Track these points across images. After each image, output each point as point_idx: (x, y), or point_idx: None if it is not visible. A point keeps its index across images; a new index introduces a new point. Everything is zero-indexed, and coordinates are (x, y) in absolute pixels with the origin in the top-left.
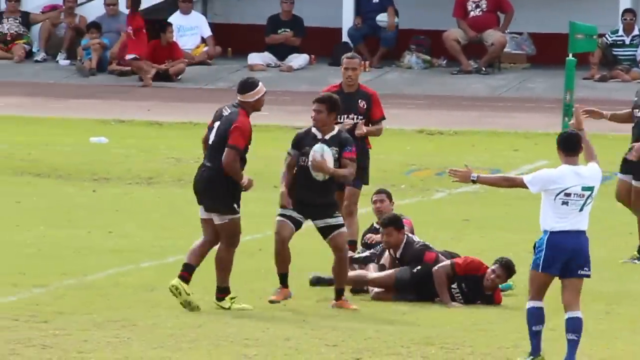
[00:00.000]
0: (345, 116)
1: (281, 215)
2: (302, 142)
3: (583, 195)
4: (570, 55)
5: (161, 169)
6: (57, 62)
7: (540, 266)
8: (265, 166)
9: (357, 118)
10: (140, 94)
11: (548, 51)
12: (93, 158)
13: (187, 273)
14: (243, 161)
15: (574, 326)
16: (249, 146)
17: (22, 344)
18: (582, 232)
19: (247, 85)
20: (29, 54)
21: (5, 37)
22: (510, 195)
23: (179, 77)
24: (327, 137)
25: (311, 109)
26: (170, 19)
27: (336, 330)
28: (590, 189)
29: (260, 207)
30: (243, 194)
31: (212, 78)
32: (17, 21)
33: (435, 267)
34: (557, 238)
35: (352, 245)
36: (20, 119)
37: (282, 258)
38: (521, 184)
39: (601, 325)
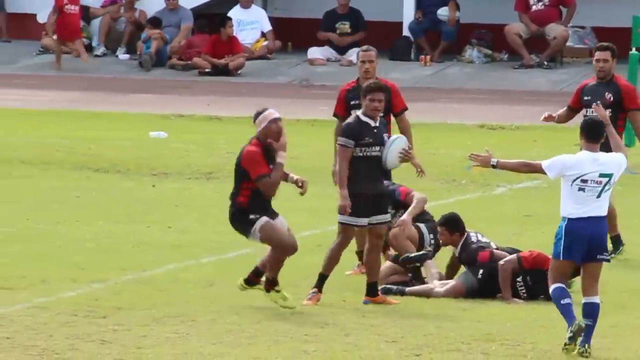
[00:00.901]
0: None
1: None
2: (360, 133)
3: (600, 182)
4: (634, 49)
5: (220, 163)
6: (117, 56)
7: (561, 254)
8: (324, 161)
9: None
10: (200, 88)
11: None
12: (152, 153)
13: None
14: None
15: (591, 311)
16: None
17: (81, 339)
18: (601, 218)
19: (254, 116)
20: (89, 49)
21: None
22: None
23: (239, 71)
24: (377, 123)
25: (368, 98)
26: (230, 13)
27: (395, 326)
28: (609, 175)
29: (320, 202)
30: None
31: (271, 72)
32: None
33: (502, 262)
34: (574, 225)
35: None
36: (80, 114)
37: (336, 260)
38: (540, 170)
39: None
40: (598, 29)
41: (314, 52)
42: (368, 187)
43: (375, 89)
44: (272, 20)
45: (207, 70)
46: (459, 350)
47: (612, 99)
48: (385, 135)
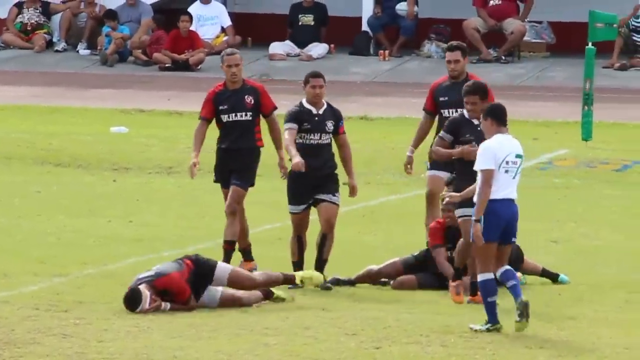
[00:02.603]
0: (234, 115)
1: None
2: (301, 117)
3: (516, 163)
4: (590, 44)
5: (181, 158)
6: (78, 51)
7: (484, 237)
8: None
9: (247, 115)
10: (161, 83)
11: (568, 40)
12: (113, 147)
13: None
14: None
15: (510, 275)
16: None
17: (42, 333)
18: (514, 201)
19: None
20: (50, 44)
21: (25, 27)
22: (536, 185)
23: (199, 66)
24: (320, 111)
25: (309, 85)
26: (190, 9)
27: (355, 319)
28: (521, 156)
29: (280, 196)
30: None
31: None
32: (38, 11)
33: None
34: (495, 206)
35: (231, 245)
36: (41, 109)
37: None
38: (485, 178)
39: (621, 314)
40: (555, 23)
41: (275, 47)
42: (317, 167)
43: (316, 75)
44: (232, 15)
45: (167, 65)
46: (418, 342)
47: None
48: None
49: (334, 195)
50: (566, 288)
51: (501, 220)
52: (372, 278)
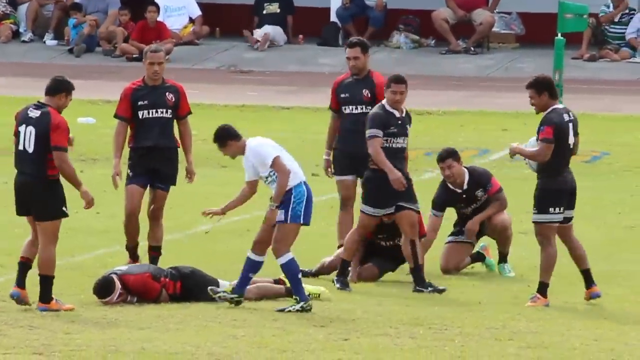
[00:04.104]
0: (154, 111)
1: None
2: (387, 121)
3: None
4: (559, 34)
5: None
6: (44, 42)
7: (302, 217)
8: None
9: (167, 112)
10: (128, 74)
11: (537, 31)
12: (81, 138)
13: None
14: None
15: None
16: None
17: (9, 325)
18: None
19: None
20: (16, 34)
21: None
22: (507, 176)
23: (167, 57)
24: (403, 114)
25: (390, 90)
26: None
27: (324, 311)
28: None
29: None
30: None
31: (199, 58)
32: (4, 1)
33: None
34: (307, 188)
35: (157, 252)
36: (8, 99)
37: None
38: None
39: (590, 305)
40: (524, 14)
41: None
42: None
43: (399, 80)
44: (201, 6)
45: (134, 55)
46: (387, 334)
47: (369, 95)
48: None
49: (416, 202)
50: (535, 280)
51: (311, 201)
52: (327, 270)
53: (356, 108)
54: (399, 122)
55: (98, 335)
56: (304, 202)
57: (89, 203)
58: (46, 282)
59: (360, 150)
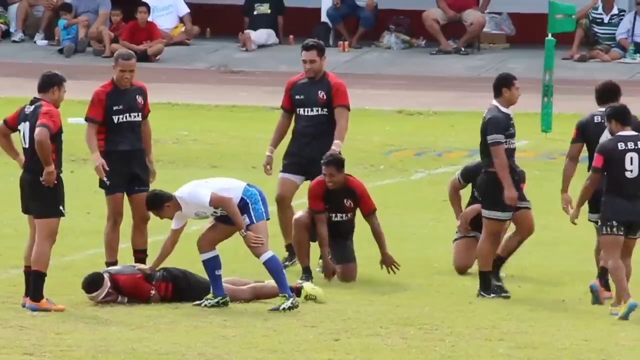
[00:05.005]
0: (128, 115)
1: None
2: (507, 124)
3: None
4: (550, 35)
5: None
6: (35, 42)
7: (264, 214)
8: (244, 147)
9: (138, 115)
10: None
11: (527, 31)
12: (71, 139)
13: None
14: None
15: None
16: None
17: None
18: None
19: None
20: (6, 34)
21: None
22: None
23: (158, 57)
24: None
25: (514, 87)
26: None
27: (314, 311)
28: None
29: None
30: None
31: (190, 58)
32: None
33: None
34: (254, 188)
35: (143, 254)
36: None
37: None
38: None
39: (580, 305)
40: (514, 14)
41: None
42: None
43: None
44: (191, 6)
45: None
46: (377, 334)
47: (324, 96)
48: None
49: (527, 200)
50: (526, 280)
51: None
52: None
53: (311, 110)
54: (512, 121)
55: (88, 335)
56: (260, 200)
57: (49, 181)
58: (38, 278)
59: (312, 152)
